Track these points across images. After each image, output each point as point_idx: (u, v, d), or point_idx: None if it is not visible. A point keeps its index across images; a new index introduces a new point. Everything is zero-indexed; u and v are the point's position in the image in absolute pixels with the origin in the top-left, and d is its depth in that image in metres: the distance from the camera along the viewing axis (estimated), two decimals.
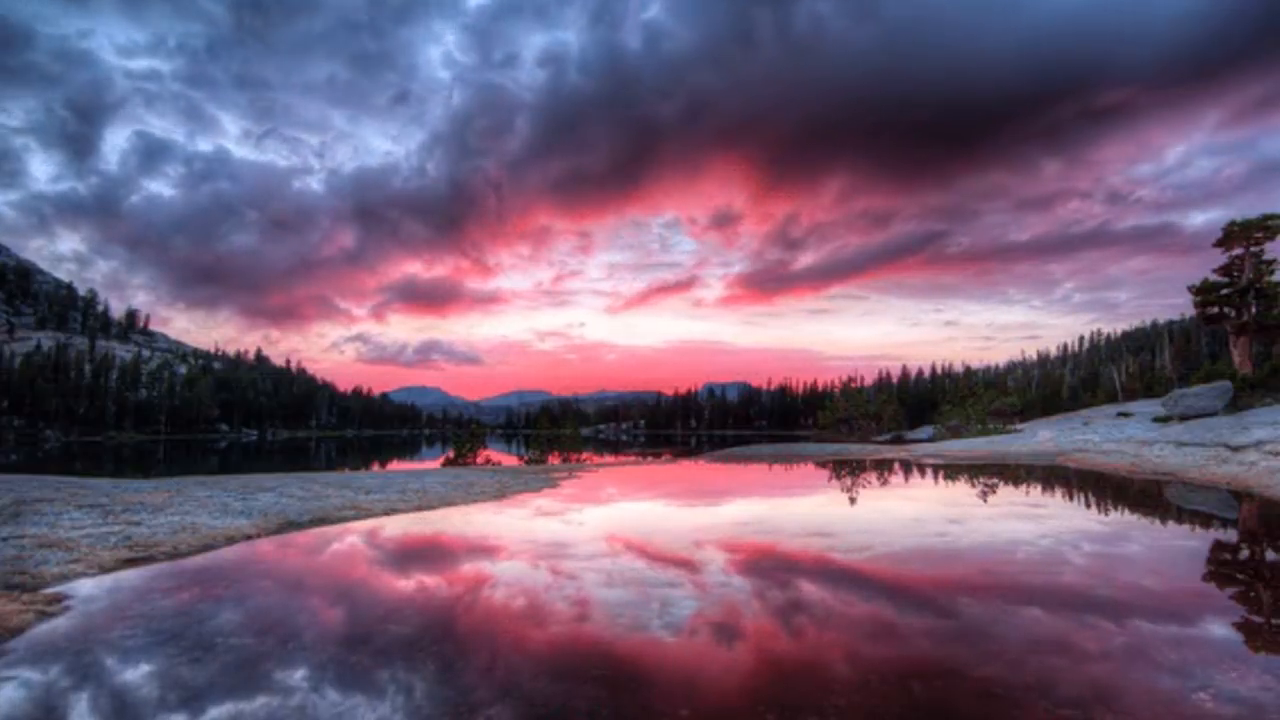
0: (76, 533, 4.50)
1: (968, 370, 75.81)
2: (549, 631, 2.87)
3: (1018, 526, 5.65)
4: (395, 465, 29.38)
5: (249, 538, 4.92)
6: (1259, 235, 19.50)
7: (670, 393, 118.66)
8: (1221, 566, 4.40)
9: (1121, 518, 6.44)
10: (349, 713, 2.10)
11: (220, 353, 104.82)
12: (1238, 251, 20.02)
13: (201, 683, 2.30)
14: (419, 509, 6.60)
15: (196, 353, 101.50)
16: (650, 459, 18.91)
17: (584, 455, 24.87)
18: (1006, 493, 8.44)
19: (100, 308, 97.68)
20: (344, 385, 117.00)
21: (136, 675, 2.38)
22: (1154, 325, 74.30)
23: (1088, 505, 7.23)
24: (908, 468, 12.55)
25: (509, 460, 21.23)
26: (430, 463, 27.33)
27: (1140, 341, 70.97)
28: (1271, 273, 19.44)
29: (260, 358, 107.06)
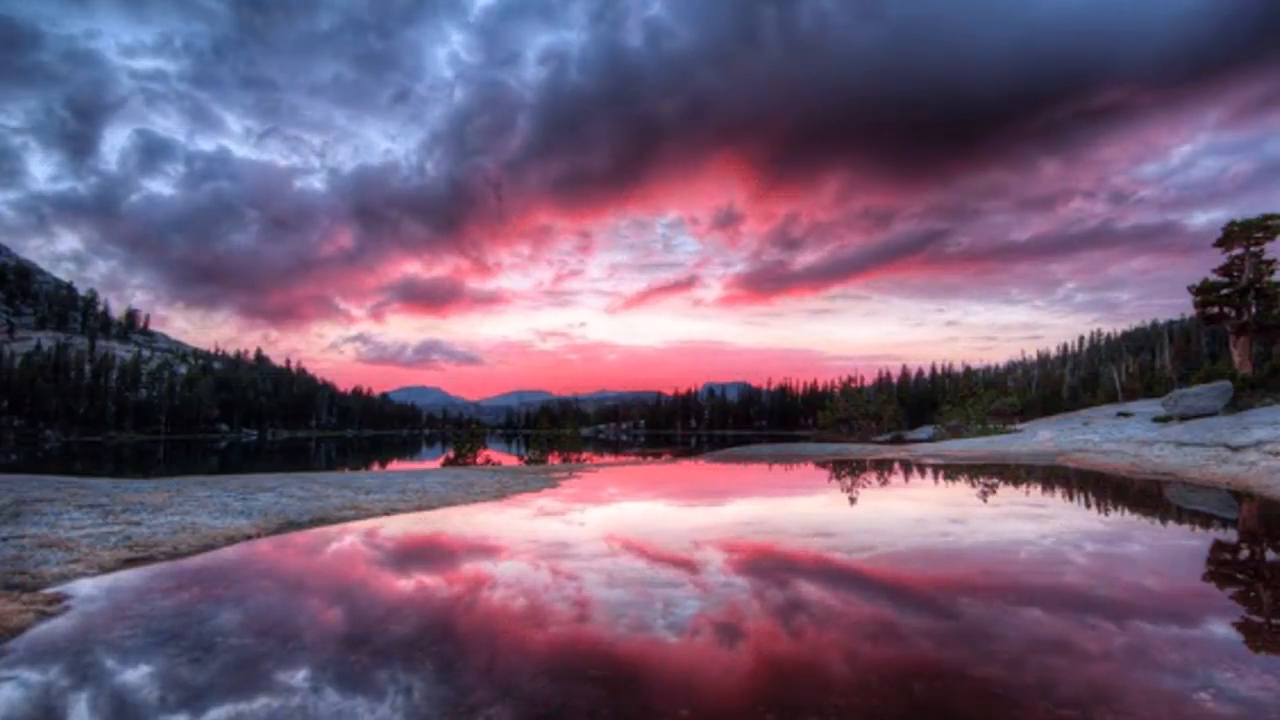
0: (76, 533, 4.50)
1: (968, 370, 75.87)
2: (549, 632, 2.87)
3: (1020, 526, 5.65)
4: (395, 465, 29.38)
5: (249, 538, 4.92)
6: (1259, 235, 19.50)
7: (670, 393, 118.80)
8: (1222, 567, 4.39)
9: (1122, 518, 6.44)
10: (350, 713, 2.10)
11: (220, 353, 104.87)
12: (1238, 251, 20.02)
13: (202, 683, 2.30)
14: (419, 509, 6.60)
15: (196, 353, 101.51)
16: (650, 459, 18.91)
17: (584, 455, 24.87)
18: (1007, 493, 8.44)
19: (100, 308, 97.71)
20: (344, 385, 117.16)
21: (136, 675, 2.38)
22: (1154, 325, 74.29)
23: (1088, 505, 7.23)
24: (908, 468, 12.55)
25: (509, 460, 21.23)
26: (430, 463, 27.33)
27: (1140, 341, 70.99)
28: (1271, 273, 19.44)
29: (260, 358, 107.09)
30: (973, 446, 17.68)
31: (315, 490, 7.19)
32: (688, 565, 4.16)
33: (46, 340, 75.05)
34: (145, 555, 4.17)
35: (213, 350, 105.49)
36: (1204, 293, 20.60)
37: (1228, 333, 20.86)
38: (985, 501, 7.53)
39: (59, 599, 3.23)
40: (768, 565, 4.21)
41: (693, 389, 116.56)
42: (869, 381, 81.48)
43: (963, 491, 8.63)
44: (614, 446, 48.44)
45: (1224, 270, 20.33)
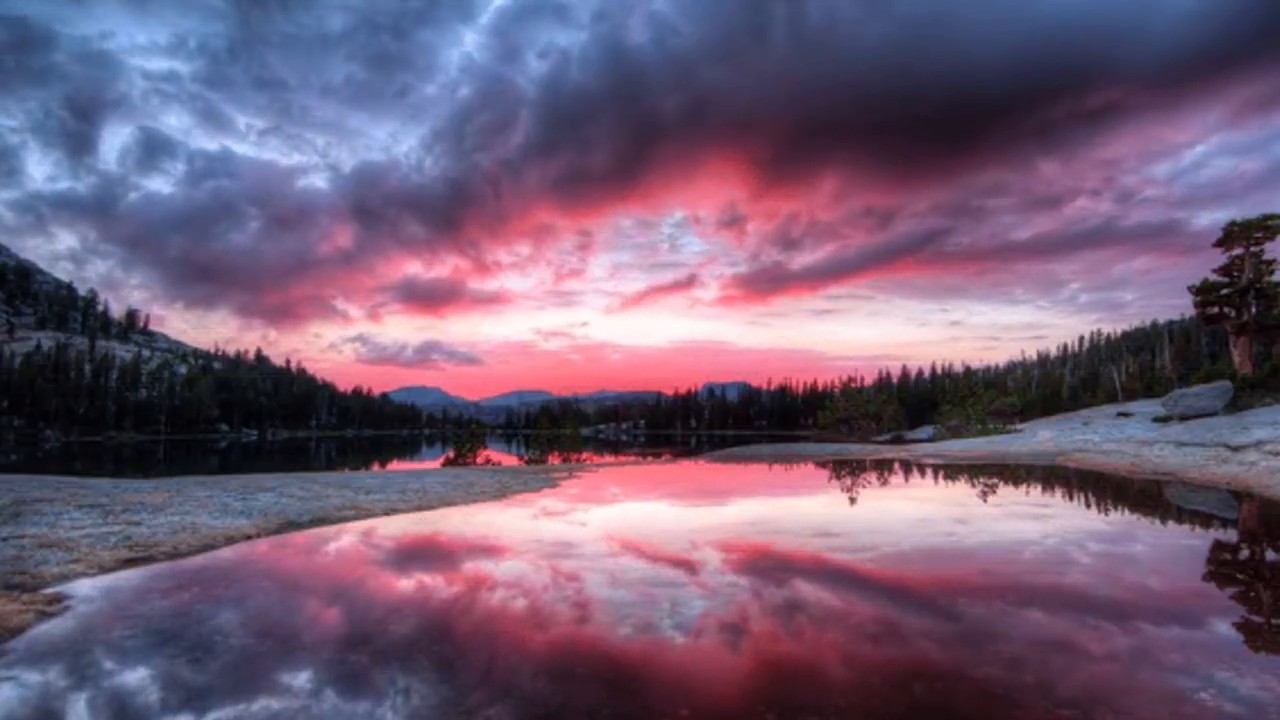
0: (76, 533, 4.50)
1: (968, 370, 75.90)
2: (549, 632, 2.87)
3: (1022, 526, 5.66)
4: (395, 465, 29.39)
5: (249, 538, 4.92)
6: (1259, 235, 19.50)
7: (670, 393, 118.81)
8: (1222, 567, 4.40)
9: (1123, 518, 6.44)
10: (351, 714, 2.10)
11: (220, 353, 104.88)
12: (1238, 251, 20.02)
13: (201, 684, 2.30)
14: (419, 509, 6.60)
15: (196, 353, 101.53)
16: (650, 459, 18.91)
17: (584, 455, 24.87)
18: (1008, 493, 8.44)
19: (100, 308, 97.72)
20: (344, 385, 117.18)
21: (136, 676, 2.38)
22: (1154, 325, 74.29)
23: (1089, 506, 7.24)
24: (908, 468, 12.55)
25: (509, 460, 21.23)
26: (430, 463, 27.33)
27: (1140, 341, 70.99)
28: (1271, 273, 19.44)
29: (260, 358, 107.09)
30: (973, 446, 17.68)
31: (315, 490, 7.19)
32: (689, 565, 4.16)
33: (46, 340, 75.06)
34: (145, 555, 4.17)
35: (213, 350, 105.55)
36: (1204, 293, 20.60)
37: (1228, 333, 20.86)
38: (987, 501, 7.53)
39: (59, 599, 3.23)
40: (770, 565, 4.21)
41: (693, 389, 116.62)
42: (869, 381, 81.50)
43: (964, 491, 8.63)
44: (614, 446, 48.44)
45: (1224, 270, 20.33)
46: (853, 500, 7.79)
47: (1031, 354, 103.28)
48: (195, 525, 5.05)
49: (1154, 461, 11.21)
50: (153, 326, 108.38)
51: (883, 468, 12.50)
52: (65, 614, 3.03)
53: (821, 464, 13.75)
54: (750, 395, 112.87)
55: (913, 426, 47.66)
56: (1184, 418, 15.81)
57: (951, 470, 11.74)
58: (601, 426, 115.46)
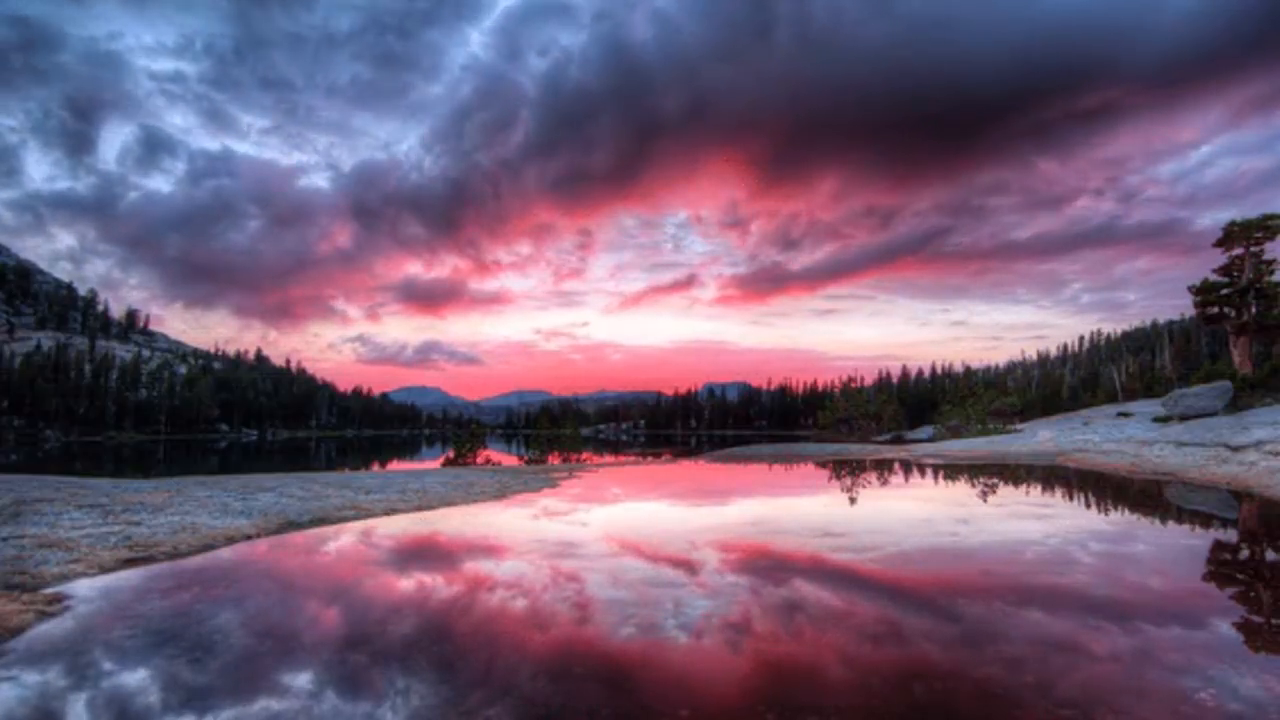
0: (76, 533, 4.50)
1: (968, 370, 75.90)
2: (549, 633, 2.87)
3: (1024, 526, 5.66)
4: (395, 465, 29.39)
5: (249, 538, 4.92)
6: (1259, 235, 19.50)
7: (670, 393, 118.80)
8: (1223, 567, 4.40)
9: (1124, 518, 6.44)
10: (351, 714, 2.10)
11: (220, 353, 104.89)
12: (1238, 251, 20.02)
13: (201, 684, 2.30)
14: (419, 509, 6.59)
15: (196, 353, 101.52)
16: (650, 459, 18.91)
17: (584, 455, 24.88)
18: (1009, 493, 8.44)
19: (100, 308, 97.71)
20: (344, 385, 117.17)
21: (136, 676, 2.38)
22: (1154, 325, 74.30)
23: (1090, 506, 7.24)
24: (909, 468, 12.55)
25: (509, 460, 21.23)
26: (430, 463, 27.33)
27: (1140, 341, 70.99)
28: (1271, 273, 19.44)
29: (260, 358, 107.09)
30: (973, 446, 17.67)
31: (315, 490, 7.19)
32: (690, 566, 4.16)
33: (46, 340, 75.06)
34: (145, 555, 4.17)
35: (213, 350, 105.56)
36: (1204, 293, 20.60)
37: (1228, 333, 20.86)
38: (987, 502, 7.54)
39: (59, 599, 3.23)
40: (772, 566, 4.20)
41: (693, 389, 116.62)
42: (869, 381, 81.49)
43: (964, 492, 8.63)
44: (614, 446, 48.44)
45: (1224, 270, 20.33)
46: (853, 500, 7.79)
47: (1031, 354, 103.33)
48: (195, 525, 5.05)
49: (1154, 461, 11.21)
50: (152, 326, 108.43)
51: (883, 468, 12.50)
52: (65, 614, 3.03)
53: (821, 464, 13.75)
54: (750, 395, 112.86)
55: (913, 426, 47.66)
56: (1184, 418, 15.81)
57: (952, 470, 11.74)
58: (601, 426, 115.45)
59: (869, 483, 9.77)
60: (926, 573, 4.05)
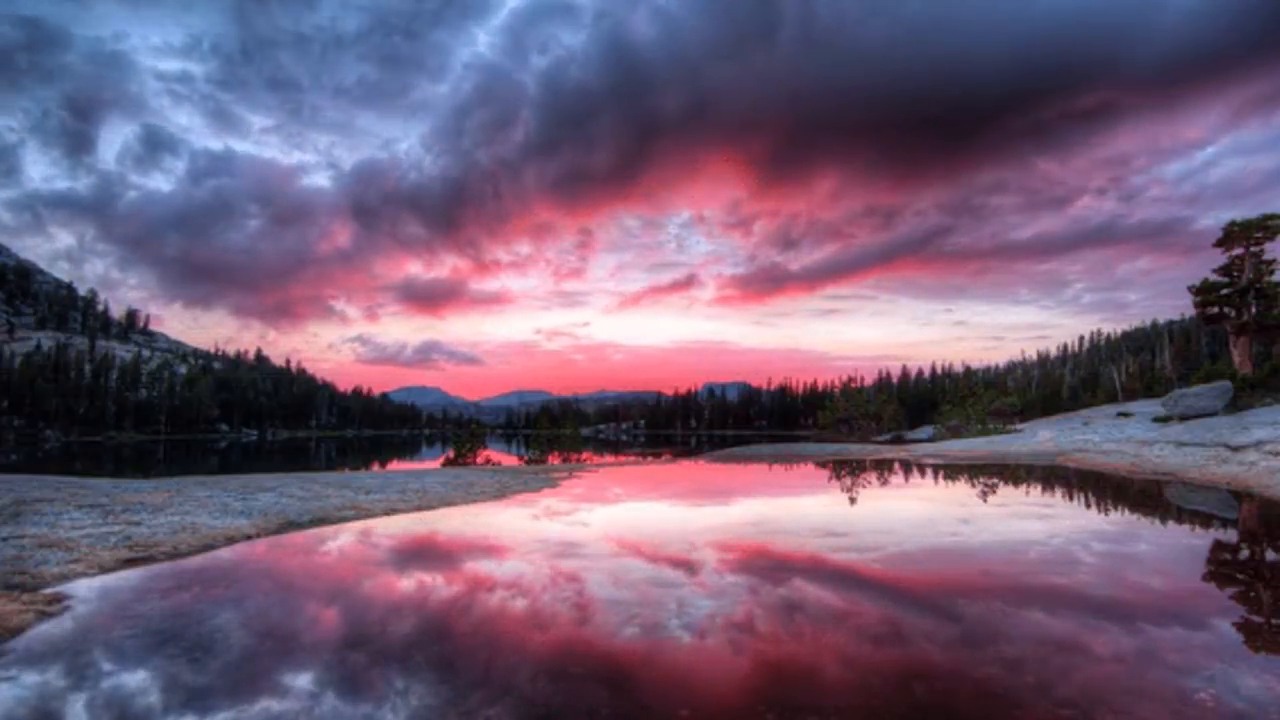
0: (76, 533, 4.50)
1: (968, 370, 75.84)
2: (549, 634, 2.87)
3: (1026, 526, 5.67)
4: (395, 465, 29.38)
5: (249, 538, 4.92)
6: (1259, 235, 19.50)
7: (670, 393, 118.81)
8: (1224, 567, 4.40)
9: (1125, 518, 6.44)
10: (351, 715, 2.10)
11: (220, 353, 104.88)
12: (1238, 251, 20.02)
13: (201, 684, 2.30)
14: (419, 509, 6.59)
15: (196, 353, 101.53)
16: (650, 459, 18.91)
17: (584, 455, 24.88)
18: (1010, 493, 8.44)
19: (100, 307, 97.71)
20: (344, 385, 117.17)
21: (136, 676, 2.37)
22: (1154, 325, 74.30)
23: (1090, 506, 7.23)
24: (909, 468, 12.55)
25: (509, 460, 21.23)
26: (430, 463, 27.33)
27: (1140, 341, 70.99)
28: (1271, 273, 19.44)
29: (260, 358, 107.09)
30: (973, 446, 17.67)
31: (315, 490, 7.18)
32: (692, 566, 4.16)
33: (46, 340, 75.05)
34: (145, 555, 4.17)
35: (213, 350, 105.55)
36: (1204, 293, 20.60)
37: (1228, 333, 20.86)
38: (989, 502, 7.54)
39: (59, 599, 3.23)
40: (775, 566, 4.20)
41: (693, 389, 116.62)
42: (869, 381, 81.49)
43: (965, 492, 8.63)
44: (614, 446, 48.44)
45: (1224, 270, 20.33)
46: (854, 500, 7.79)
47: (1031, 354, 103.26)
48: (195, 525, 5.05)
49: (1154, 461, 11.21)
50: (151, 326, 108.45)
51: (883, 468, 12.50)
52: (65, 614, 3.02)
53: (822, 464, 13.75)
54: (750, 395, 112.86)
55: (913, 426, 47.66)
56: (1184, 418, 15.81)
57: (952, 470, 11.74)
58: (601, 426, 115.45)
59: (869, 483, 9.77)
60: (929, 573, 4.04)
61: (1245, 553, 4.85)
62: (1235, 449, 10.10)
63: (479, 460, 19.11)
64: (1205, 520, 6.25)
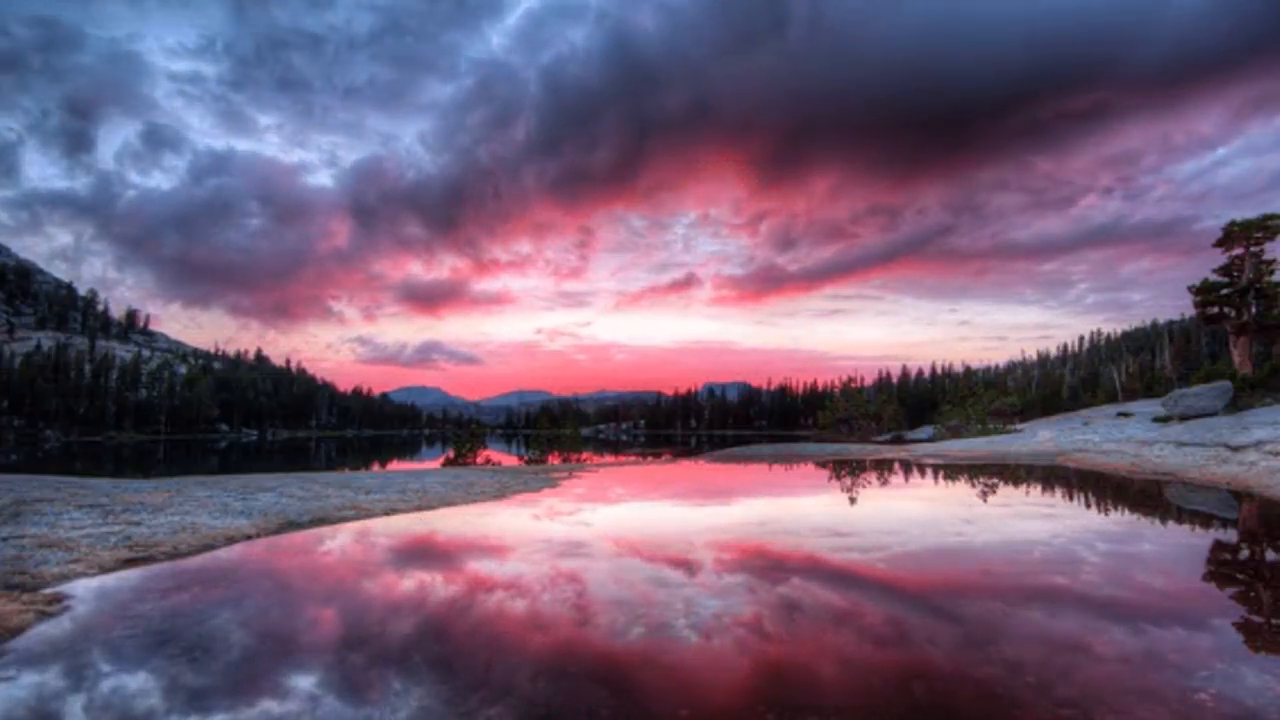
0: (76, 533, 4.50)
1: (968, 370, 75.80)
2: (548, 635, 2.87)
3: (1029, 526, 5.67)
4: (395, 465, 29.38)
5: (249, 538, 4.91)
6: (1259, 235, 19.50)
7: (670, 393, 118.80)
8: (1226, 567, 4.40)
9: (1127, 518, 6.44)
10: (351, 716, 2.10)
11: (220, 353, 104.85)
12: (1238, 251, 20.02)
13: (201, 684, 2.30)
14: (419, 509, 6.59)
15: (196, 353, 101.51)
16: (651, 459, 18.91)
17: (584, 455, 24.87)
18: (1011, 493, 8.44)
19: (100, 308, 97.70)
20: (344, 385, 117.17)
21: (136, 676, 2.37)
22: (1154, 325, 74.28)
23: (1091, 506, 7.23)
24: (909, 468, 12.55)
25: (509, 460, 21.22)
26: (430, 463, 27.33)
27: (1140, 341, 70.97)
28: (1271, 273, 19.44)
29: (260, 358, 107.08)
30: (973, 446, 17.67)
31: (315, 490, 7.18)
32: (693, 566, 4.15)
33: (46, 340, 75.03)
34: (145, 555, 4.17)
35: (213, 350, 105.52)
36: (1204, 293, 20.60)
37: (1228, 333, 20.86)
38: (991, 502, 7.53)
39: (59, 599, 3.23)
40: (779, 566, 4.19)
41: (693, 389, 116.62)
42: (869, 381, 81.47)
43: (967, 492, 8.63)
44: (614, 446, 48.43)
45: (1224, 270, 20.32)
46: (856, 501, 7.79)
47: (1031, 354, 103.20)
48: (195, 525, 5.05)
49: (1154, 461, 11.20)
50: (155, 327, 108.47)
51: (884, 468, 12.50)
52: (65, 614, 3.02)
53: (822, 464, 13.75)
54: (750, 395, 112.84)
55: (913, 426, 47.65)
56: (1184, 418, 15.81)
57: (952, 470, 11.74)
58: (601, 426, 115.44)
59: (871, 483, 9.77)
60: (935, 573, 4.04)
61: (1245, 553, 4.85)
62: (1235, 449, 10.10)
63: (479, 460, 19.10)
64: (1205, 520, 6.25)
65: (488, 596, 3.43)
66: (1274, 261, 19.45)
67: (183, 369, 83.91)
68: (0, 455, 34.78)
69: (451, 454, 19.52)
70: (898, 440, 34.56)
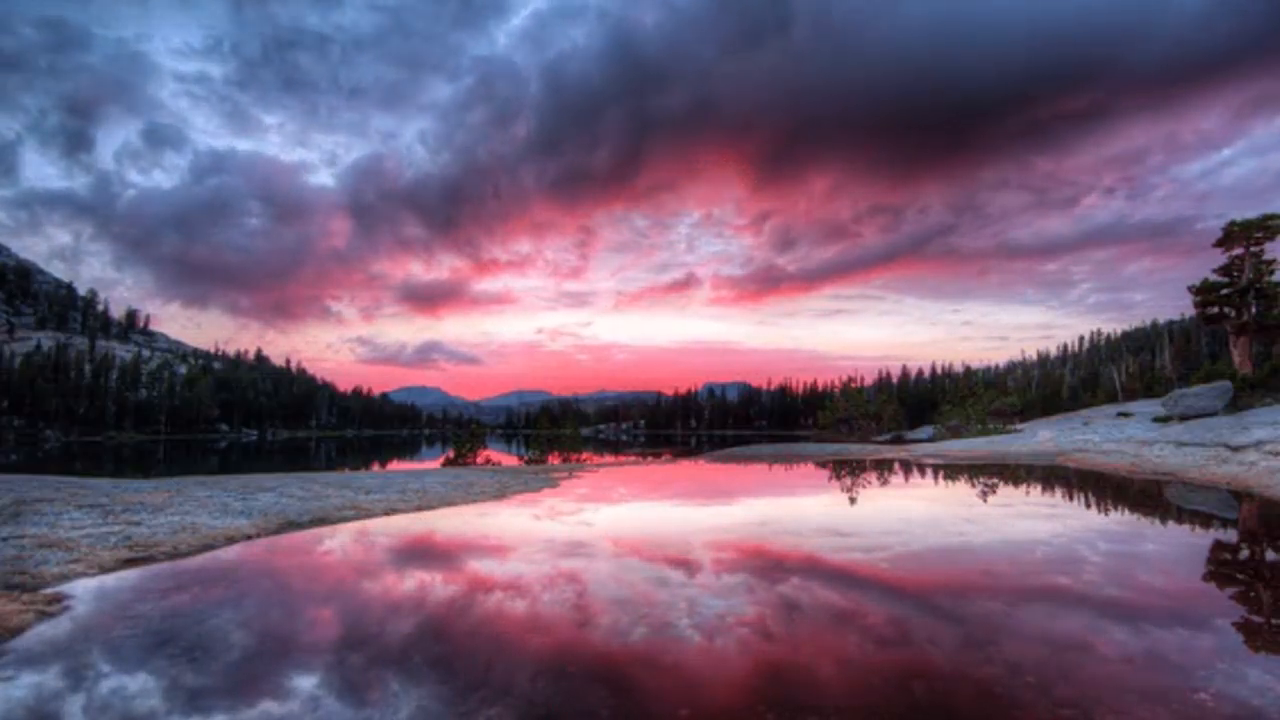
0: (76, 533, 4.50)
1: (968, 370, 75.74)
2: (548, 635, 2.86)
3: (1030, 526, 5.68)
4: (395, 465, 29.38)
5: (249, 538, 4.91)
6: (1259, 235, 19.50)
7: (670, 393, 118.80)
8: (1225, 567, 4.40)
9: (1126, 518, 6.44)
10: (352, 715, 2.10)
11: (220, 353, 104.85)
12: (1238, 251, 20.01)
13: (201, 685, 2.30)
14: (419, 509, 6.59)
15: (196, 353, 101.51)
16: (651, 459, 18.91)
17: (584, 455, 24.87)
18: (1012, 493, 8.44)
19: (100, 307, 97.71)
20: (344, 385, 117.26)
21: (136, 676, 2.37)
22: (1154, 325, 74.27)
23: (1091, 506, 7.23)
24: (910, 468, 12.54)
25: (509, 460, 21.22)
26: (430, 463, 27.32)
27: (1140, 341, 70.96)
28: (1271, 273, 19.44)
29: (260, 358, 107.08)
30: (973, 446, 17.67)
31: (315, 490, 7.18)
32: (694, 566, 4.15)
33: (46, 340, 75.03)
34: (145, 555, 4.17)
35: (213, 350, 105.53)
36: (1204, 293, 20.60)
37: (1228, 333, 20.86)
38: (991, 502, 7.53)
39: (59, 599, 3.23)
40: (782, 566, 4.19)
41: (693, 389, 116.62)
42: (869, 381, 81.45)
43: (968, 492, 8.63)
44: (614, 446, 48.43)
45: (1224, 270, 20.32)
46: (857, 500, 7.79)
47: (1032, 354, 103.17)
48: (195, 525, 5.05)
49: (1154, 461, 11.20)
50: (155, 327, 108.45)
51: (884, 468, 12.50)
52: (65, 614, 3.02)
53: (822, 464, 13.75)
54: (750, 395, 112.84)
55: (913, 426, 47.65)
56: (1184, 418, 15.81)
57: (953, 470, 11.74)
58: (601, 426, 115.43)
59: (871, 483, 9.77)
60: (938, 573, 4.04)
61: (1245, 553, 4.85)
62: (1235, 449, 10.10)
63: (479, 460, 19.10)
64: (1205, 520, 6.25)
65: (488, 597, 3.43)
66: (1274, 261, 19.46)
67: (183, 369, 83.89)
68: (0, 455, 34.77)
69: (451, 454, 19.52)
70: (898, 440, 34.56)
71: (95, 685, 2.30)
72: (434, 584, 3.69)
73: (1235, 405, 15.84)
